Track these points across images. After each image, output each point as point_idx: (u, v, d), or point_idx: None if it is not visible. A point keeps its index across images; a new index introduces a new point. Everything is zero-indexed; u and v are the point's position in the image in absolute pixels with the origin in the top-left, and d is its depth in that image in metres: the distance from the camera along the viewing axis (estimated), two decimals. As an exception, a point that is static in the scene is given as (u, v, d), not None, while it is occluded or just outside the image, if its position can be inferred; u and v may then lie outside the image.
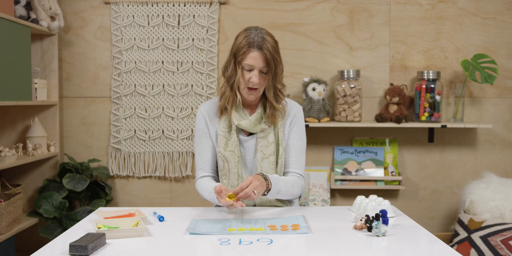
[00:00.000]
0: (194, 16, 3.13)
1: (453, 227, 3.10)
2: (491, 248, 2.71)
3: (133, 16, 3.13)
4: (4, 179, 2.94)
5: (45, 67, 3.04)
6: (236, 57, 1.88)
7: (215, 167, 2.05)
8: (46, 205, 2.82)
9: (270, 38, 1.88)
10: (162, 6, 3.12)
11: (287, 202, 2.05)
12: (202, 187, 1.95)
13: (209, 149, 2.01)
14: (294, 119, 2.02)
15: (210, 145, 2.01)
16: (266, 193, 1.80)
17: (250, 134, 2.00)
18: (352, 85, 3.04)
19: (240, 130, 2.00)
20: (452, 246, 2.83)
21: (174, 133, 3.16)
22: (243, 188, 1.70)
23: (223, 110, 1.98)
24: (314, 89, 3.01)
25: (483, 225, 2.79)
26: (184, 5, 3.12)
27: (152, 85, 3.15)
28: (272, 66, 1.87)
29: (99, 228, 1.58)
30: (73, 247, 1.38)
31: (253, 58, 1.85)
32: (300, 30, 3.17)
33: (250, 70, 1.87)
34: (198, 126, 2.03)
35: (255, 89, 1.90)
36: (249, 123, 1.94)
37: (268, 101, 1.96)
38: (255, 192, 1.71)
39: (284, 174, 2.02)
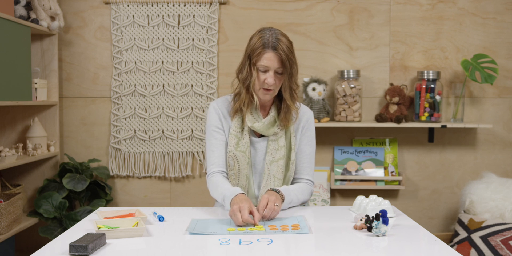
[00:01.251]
0: (194, 16, 3.13)
1: (453, 227, 3.10)
2: (491, 248, 2.71)
3: (133, 16, 3.12)
4: (4, 179, 2.94)
5: (45, 67, 3.04)
6: (250, 58, 1.87)
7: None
8: (46, 205, 2.82)
9: (284, 39, 1.86)
10: (162, 6, 3.12)
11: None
12: (217, 185, 1.88)
13: (222, 144, 1.97)
14: (306, 125, 2.02)
15: (223, 140, 1.97)
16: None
17: (261, 136, 1.99)
18: (352, 85, 3.04)
19: (251, 131, 1.98)
20: (452, 246, 2.83)
21: (174, 133, 3.16)
22: (264, 207, 1.71)
23: (237, 111, 1.96)
24: (314, 89, 3.01)
25: (483, 225, 2.79)
26: (184, 5, 3.12)
27: (152, 85, 3.15)
28: (288, 66, 1.85)
29: (99, 228, 1.58)
30: (73, 247, 1.38)
31: (268, 59, 1.84)
32: (300, 30, 3.16)
33: (265, 71, 1.86)
34: (211, 122, 1.98)
35: (271, 89, 1.89)
36: (262, 125, 1.93)
37: (283, 102, 1.94)
38: (277, 204, 1.73)
39: (295, 179, 2.02)
